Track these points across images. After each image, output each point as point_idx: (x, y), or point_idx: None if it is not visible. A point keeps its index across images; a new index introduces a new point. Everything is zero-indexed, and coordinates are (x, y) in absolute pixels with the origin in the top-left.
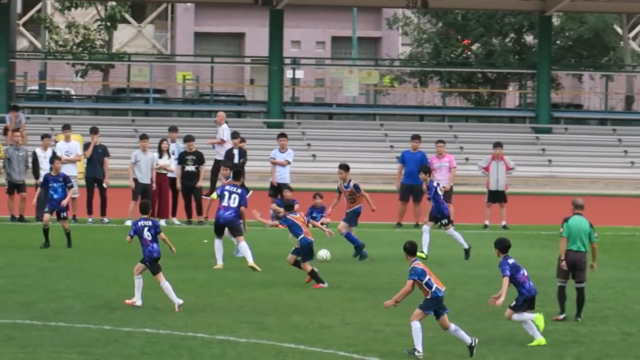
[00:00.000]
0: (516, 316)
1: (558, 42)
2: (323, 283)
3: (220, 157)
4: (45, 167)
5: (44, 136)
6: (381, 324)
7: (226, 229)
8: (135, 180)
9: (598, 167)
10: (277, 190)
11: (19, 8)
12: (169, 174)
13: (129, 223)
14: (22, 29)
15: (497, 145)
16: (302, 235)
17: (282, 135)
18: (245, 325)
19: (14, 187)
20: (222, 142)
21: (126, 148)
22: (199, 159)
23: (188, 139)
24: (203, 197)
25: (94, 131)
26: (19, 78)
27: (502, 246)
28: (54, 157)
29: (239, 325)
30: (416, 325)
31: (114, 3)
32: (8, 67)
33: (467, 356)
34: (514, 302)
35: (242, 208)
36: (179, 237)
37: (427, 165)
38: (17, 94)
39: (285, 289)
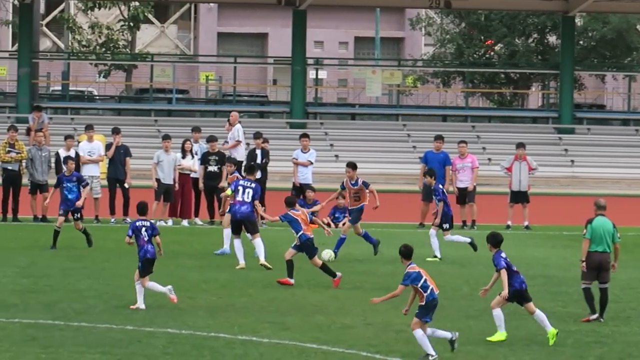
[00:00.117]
0: (495, 303)
1: (581, 42)
2: (335, 276)
3: (241, 158)
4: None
5: (67, 137)
6: (403, 324)
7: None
8: (158, 180)
9: (621, 168)
10: (299, 190)
11: (42, 8)
12: (192, 174)
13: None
14: (45, 29)
15: (520, 145)
16: (301, 232)
17: (304, 135)
18: (268, 326)
19: (37, 188)
20: (238, 143)
21: (149, 148)
22: (222, 159)
23: (211, 139)
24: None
25: (116, 131)
26: (42, 78)
27: (495, 241)
28: (67, 158)
29: (261, 325)
30: (419, 334)
31: (137, 3)
32: (31, 68)
33: (490, 356)
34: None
35: (256, 202)
36: (201, 237)
37: (432, 168)
38: (40, 94)
39: (307, 289)
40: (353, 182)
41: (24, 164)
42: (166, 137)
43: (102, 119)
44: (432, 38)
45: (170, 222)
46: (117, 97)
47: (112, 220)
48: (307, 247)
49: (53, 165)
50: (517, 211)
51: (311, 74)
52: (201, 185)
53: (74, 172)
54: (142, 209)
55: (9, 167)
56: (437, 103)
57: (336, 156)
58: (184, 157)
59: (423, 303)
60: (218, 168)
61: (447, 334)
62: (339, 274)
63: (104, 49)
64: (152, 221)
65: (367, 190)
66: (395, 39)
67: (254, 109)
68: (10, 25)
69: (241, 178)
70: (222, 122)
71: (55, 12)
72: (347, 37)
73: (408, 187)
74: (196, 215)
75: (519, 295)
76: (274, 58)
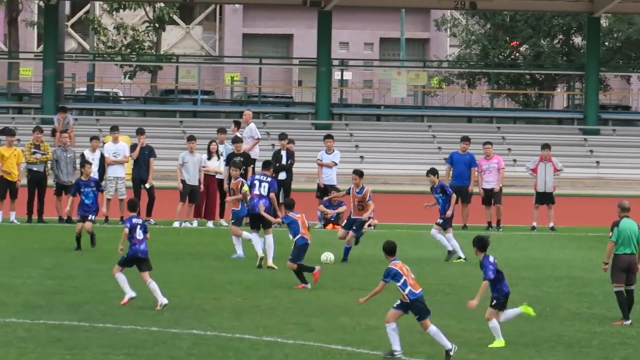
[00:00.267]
0: (503, 317)
1: (606, 43)
2: (306, 284)
3: (255, 156)
4: (93, 169)
5: (92, 138)
6: None
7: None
8: (183, 181)
9: None
10: (324, 191)
11: (67, 9)
12: (217, 176)
13: (176, 225)
14: (70, 30)
15: (545, 146)
16: (299, 235)
17: (328, 136)
18: (293, 327)
19: (62, 189)
20: (258, 141)
21: (174, 149)
22: (247, 161)
23: (236, 140)
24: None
25: (140, 132)
26: (67, 79)
27: (481, 245)
28: (84, 162)
29: (286, 326)
30: (391, 327)
31: (162, 4)
32: (56, 69)
33: (515, 357)
34: (495, 301)
35: (272, 195)
36: (226, 238)
37: (434, 167)
38: (65, 95)
39: (332, 291)
40: (358, 190)
41: (49, 165)
42: (191, 138)
43: (127, 120)
44: (457, 39)
45: (195, 223)
46: (142, 98)
47: None
48: (298, 250)
49: (78, 166)
50: (542, 212)
51: (336, 75)
52: (226, 186)
53: (91, 177)
54: (133, 205)
55: (34, 168)
56: (463, 104)
57: (361, 157)
58: (209, 158)
59: (407, 301)
60: (243, 169)
61: (447, 344)
62: (308, 285)
63: (129, 50)
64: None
65: (368, 202)
66: (420, 40)
67: (279, 110)
68: (36, 27)
69: (257, 174)
70: None
71: (81, 13)
72: (372, 38)
73: None
74: (221, 216)
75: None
76: (299, 59)
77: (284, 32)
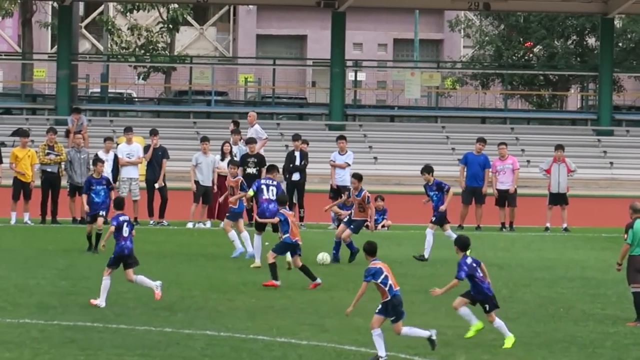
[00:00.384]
0: (462, 311)
1: (620, 44)
2: (277, 281)
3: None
4: (107, 170)
5: (106, 139)
6: (442, 326)
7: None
8: (197, 182)
9: None
10: (337, 192)
11: (81, 11)
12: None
13: (190, 225)
14: (84, 31)
15: (559, 147)
16: (287, 235)
17: (341, 137)
18: (306, 328)
19: (76, 190)
20: (267, 140)
21: (188, 150)
22: (261, 162)
23: (250, 141)
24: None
25: (153, 133)
26: (81, 80)
27: (462, 244)
28: (96, 160)
29: (300, 327)
30: (376, 332)
31: (176, 5)
32: (70, 70)
33: (529, 358)
34: (468, 292)
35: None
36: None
37: (429, 165)
38: (79, 96)
39: (346, 292)
40: (356, 193)
41: (63, 166)
42: (204, 139)
43: (141, 121)
44: (471, 40)
45: (208, 224)
46: (156, 99)
47: (151, 222)
48: (282, 247)
49: (92, 167)
50: (555, 213)
51: (350, 75)
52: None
53: (103, 176)
54: (119, 203)
55: (48, 169)
56: (476, 105)
57: (375, 158)
58: (222, 159)
59: (388, 298)
60: (257, 170)
61: (426, 332)
62: (278, 282)
63: (143, 51)
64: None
65: (368, 205)
66: (434, 41)
67: (293, 111)
68: (50, 28)
69: (262, 178)
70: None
71: (94, 15)
72: (386, 39)
73: None
74: None
75: (482, 302)
76: (313, 60)
77: (297, 33)
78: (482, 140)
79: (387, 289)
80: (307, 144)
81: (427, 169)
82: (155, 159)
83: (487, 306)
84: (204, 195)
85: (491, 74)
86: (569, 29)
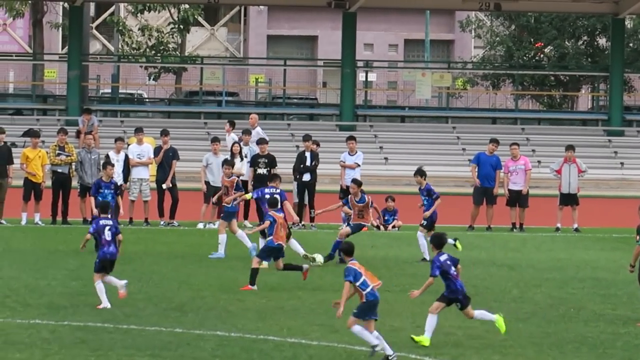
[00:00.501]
0: (479, 315)
1: (631, 44)
2: (253, 286)
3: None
4: (117, 171)
5: (117, 139)
6: (452, 326)
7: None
8: (207, 183)
9: None
10: (347, 193)
11: (92, 11)
12: (241, 177)
13: (200, 226)
14: (95, 32)
15: (569, 148)
16: (271, 237)
17: (351, 138)
18: (317, 328)
19: (86, 190)
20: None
21: (198, 151)
22: (271, 162)
23: (261, 141)
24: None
25: (164, 133)
26: (91, 81)
27: (438, 242)
28: (106, 163)
29: (311, 328)
30: (357, 329)
31: (187, 6)
32: (81, 70)
33: (539, 359)
34: (445, 293)
35: (286, 202)
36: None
37: (422, 168)
38: (89, 97)
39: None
40: (357, 199)
41: (73, 167)
42: (215, 140)
43: (151, 121)
44: (481, 40)
45: (218, 225)
46: (167, 99)
47: (161, 222)
48: (266, 251)
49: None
50: (566, 213)
51: (361, 76)
52: (250, 187)
53: (112, 180)
54: (104, 207)
55: (59, 170)
56: (487, 105)
57: (385, 159)
58: (232, 159)
59: (364, 301)
60: (267, 171)
61: (374, 340)
62: (254, 287)
63: (153, 52)
64: (114, 220)
65: (371, 209)
66: (445, 42)
67: (304, 111)
68: (61, 28)
69: (265, 187)
70: (271, 124)
71: (105, 15)
72: (396, 40)
73: (457, 189)
74: (245, 218)
75: (453, 300)
76: (323, 60)
77: (308, 33)
78: (495, 141)
79: (365, 292)
80: (318, 145)
81: (420, 172)
82: (166, 160)
83: (459, 304)
84: (214, 196)
85: (502, 75)
86: (580, 30)
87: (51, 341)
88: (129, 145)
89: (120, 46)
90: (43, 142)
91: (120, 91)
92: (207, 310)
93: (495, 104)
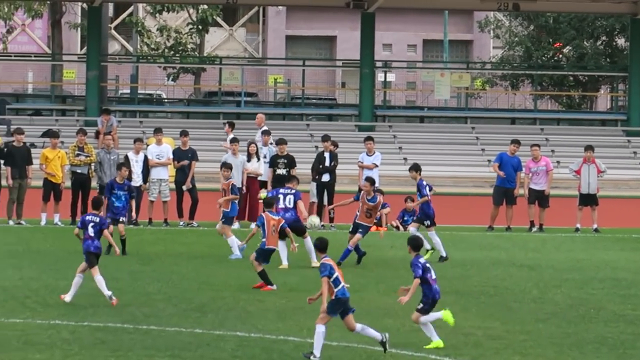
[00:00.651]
0: (424, 319)
1: None
2: (272, 285)
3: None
4: (137, 171)
5: (136, 140)
6: (472, 327)
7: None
8: None
9: None
10: None
11: (110, 12)
12: (259, 177)
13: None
14: (113, 32)
15: (589, 148)
16: (264, 240)
17: (369, 138)
18: (337, 329)
19: None
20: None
21: (217, 151)
22: (290, 162)
23: (280, 142)
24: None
25: (184, 134)
26: (110, 81)
27: (415, 244)
28: (120, 165)
29: (330, 328)
30: (320, 329)
31: (205, 6)
32: (100, 71)
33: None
34: (421, 305)
35: (299, 202)
36: None
37: (417, 163)
38: (108, 97)
39: (376, 293)
40: (369, 197)
41: (92, 167)
42: (234, 140)
43: (170, 122)
44: (500, 41)
45: (237, 225)
46: (186, 100)
47: (181, 223)
48: (261, 254)
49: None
50: (586, 214)
51: (380, 76)
52: (269, 188)
53: (126, 181)
54: (96, 203)
55: (78, 171)
56: (506, 106)
57: (405, 159)
58: (249, 160)
59: (333, 298)
60: (287, 171)
61: (378, 336)
62: (274, 286)
63: (172, 52)
64: (102, 217)
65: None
66: (463, 42)
67: (323, 111)
68: (79, 29)
69: (282, 187)
70: (290, 125)
71: (124, 16)
72: (415, 40)
73: (477, 190)
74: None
75: (433, 304)
76: (342, 61)
77: (327, 33)
78: (516, 142)
79: (338, 289)
80: (337, 146)
81: (415, 167)
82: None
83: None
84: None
85: (521, 75)
86: (599, 30)
87: (71, 342)
88: (148, 145)
89: (139, 46)
90: (62, 142)
91: (139, 92)
92: (227, 311)
93: (514, 104)
